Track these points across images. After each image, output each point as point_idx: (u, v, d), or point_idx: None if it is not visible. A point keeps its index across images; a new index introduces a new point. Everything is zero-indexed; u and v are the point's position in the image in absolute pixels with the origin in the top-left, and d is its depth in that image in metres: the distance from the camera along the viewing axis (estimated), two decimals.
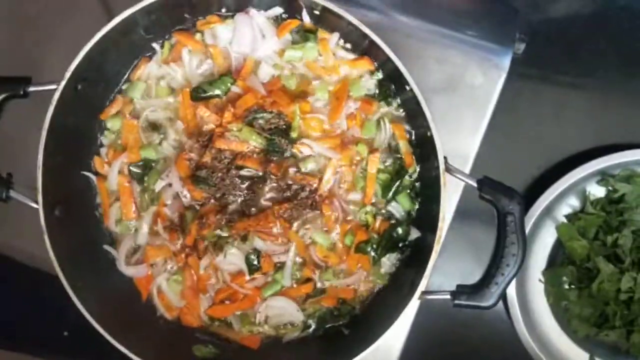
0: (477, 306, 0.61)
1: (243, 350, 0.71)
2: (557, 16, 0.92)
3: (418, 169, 0.70)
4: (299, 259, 0.70)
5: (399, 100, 0.70)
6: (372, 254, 0.70)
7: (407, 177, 0.70)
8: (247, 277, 0.70)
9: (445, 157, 0.64)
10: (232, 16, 0.70)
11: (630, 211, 0.85)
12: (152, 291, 0.72)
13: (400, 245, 0.70)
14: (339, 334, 0.71)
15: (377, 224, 0.70)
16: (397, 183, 0.69)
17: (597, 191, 0.88)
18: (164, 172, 0.70)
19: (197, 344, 0.70)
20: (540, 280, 0.89)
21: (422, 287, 0.63)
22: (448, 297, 0.62)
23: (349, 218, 0.70)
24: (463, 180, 0.63)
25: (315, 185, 0.69)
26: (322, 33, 0.69)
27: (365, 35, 0.64)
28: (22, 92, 0.64)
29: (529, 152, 0.90)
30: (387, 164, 0.70)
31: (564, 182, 0.85)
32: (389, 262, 0.71)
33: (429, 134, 0.64)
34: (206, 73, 0.71)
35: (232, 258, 0.70)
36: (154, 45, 0.71)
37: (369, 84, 0.70)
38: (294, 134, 0.69)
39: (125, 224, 0.72)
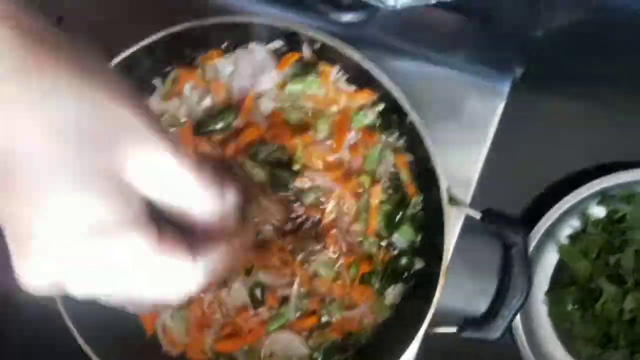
0: (484, 340, 0.61)
1: None
2: (554, 38, 0.92)
3: (421, 199, 0.70)
4: (303, 291, 0.70)
5: (400, 131, 0.70)
6: (377, 285, 0.70)
7: (410, 207, 0.70)
8: (252, 312, 0.70)
9: (448, 188, 0.64)
10: (233, 50, 0.70)
11: (631, 231, 0.86)
12: (157, 327, 0.71)
13: (405, 275, 0.70)
14: None
15: (381, 254, 0.70)
16: (400, 214, 0.70)
17: (598, 211, 0.88)
18: None
19: None
20: (543, 302, 0.90)
21: (428, 319, 0.63)
22: (454, 330, 0.62)
23: (352, 249, 0.70)
24: (466, 212, 0.63)
25: (318, 217, 0.69)
26: (322, 66, 0.69)
27: (364, 69, 0.64)
28: None
29: (530, 173, 0.90)
30: (389, 194, 0.70)
31: (565, 203, 0.86)
32: (393, 293, 0.71)
33: (430, 165, 0.64)
34: (207, 108, 0.71)
35: (236, 292, 0.70)
36: (155, 81, 0.71)
37: (370, 115, 0.70)
38: (296, 166, 0.69)
39: None
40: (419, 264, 0.70)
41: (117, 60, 0.63)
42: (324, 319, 0.70)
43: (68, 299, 0.64)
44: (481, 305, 0.77)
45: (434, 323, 0.64)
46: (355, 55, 0.62)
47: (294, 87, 0.69)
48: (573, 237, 0.89)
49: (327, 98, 0.69)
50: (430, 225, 0.70)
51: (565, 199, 0.87)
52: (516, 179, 0.91)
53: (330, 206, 0.70)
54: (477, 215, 0.62)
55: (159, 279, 0.32)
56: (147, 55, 0.65)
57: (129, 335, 0.71)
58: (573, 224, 0.90)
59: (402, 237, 0.70)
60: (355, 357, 0.71)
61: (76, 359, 0.64)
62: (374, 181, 0.69)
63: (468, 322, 0.63)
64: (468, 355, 0.87)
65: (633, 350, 0.85)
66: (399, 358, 0.63)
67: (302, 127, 0.70)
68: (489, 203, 0.75)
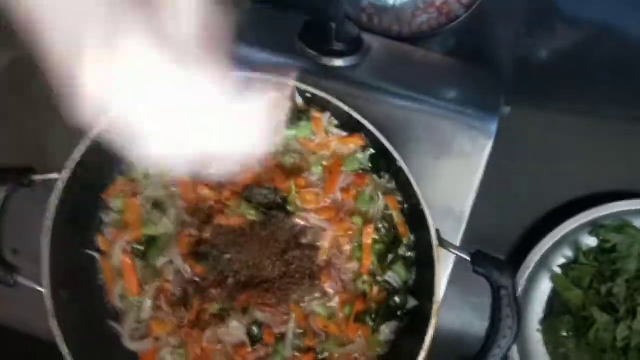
0: None
1: None
2: (541, 69, 0.95)
3: (413, 239, 0.72)
4: (299, 330, 0.72)
5: (390, 173, 0.72)
6: (371, 323, 0.71)
7: (402, 246, 0.72)
8: (249, 349, 0.71)
9: (437, 231, 0.66)
10: None
11: (622, 260, 0.88)
12: None
13: (399, 313, 0.72)
14: None
15: (375, 293, 0.72)
16: (393, 253, 0.71)
17: (589, 241, 0.90)
18: (165, 249, 0.72)
19: None
20: (538, 330, 0.91)
21: (422, 358, 0.65)
22: None
23: (346, 288, 0.72)
24: (456, 254, 0.65)
25: (312, 256, 0.71)
26: (314, 112, 0.71)
27: (353, 116, 0.66)
28: (25, 183, 0.67)
29: (521, 204, 0.92)
30: (382, 234, 0.72)
31: (557, 233, 0.88)
32: (388, 330, 0.72)
33: (420, 207, 0.66)
34: None
35: (234, 330, 0.72)
36: None
37: (361, 159, 0.72)
38: (290, 208, 0.71)
39: (129, 300, 0.74)
40: (412, 302, 0.72)
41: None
42: (320, 356, 0.72)
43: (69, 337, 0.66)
44: (477, 333, 0.78)
45: None
46: (342, 105, 0.64)
47: (288, 133, 0.71)
48: (566, 267, 0.91)
49: (320, 143, 0.72)
50: (422, 264, 0.71)
51: (557, 229, 0.89)
52: (508, 210, 0.93)
53: (324, 245, 0.72)
54: (466, 257, 0.64)
55: None
56: None
57: None
58: (566, 254, 0.92)
59: (396, 276, 0.72)
60: None
61: None
62: (367, 221, 0.71)
63: None
64: None
65: None
66: None
67: (296, 170, 0.72)
68: (481, 234, 0.77)
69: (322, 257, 0.71)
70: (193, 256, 0.71)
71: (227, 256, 0.71)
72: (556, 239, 0.87)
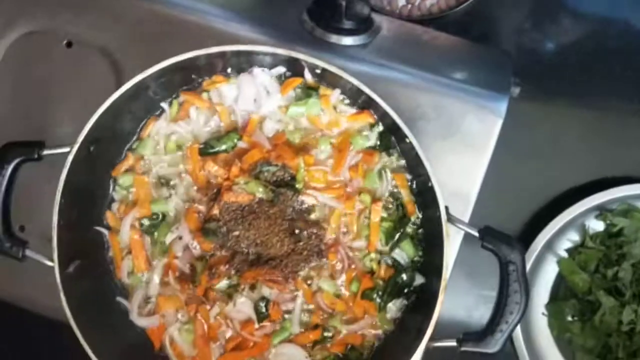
0: (483, 353, 0.63)
1: None
2: (549, 55, 0.95)
3: (420, 217, 0.72)
4: (306, 306, 0.72)
5: (399, 150, 0.72)
6: (378, 300, 0.72)
7: (410, 224, 0.72)
8: (256, 325, 0.72)
9: (446, 207, 0.66)
10: (237, 75, 0.73)
11: (629, 245, 0.87)
12: (165, 341, 0.73)
13: (406, 291, 0.72)
14: None
15: (382, 270, 0.72)
16: (401, 231, 0.71)
17: (596, 225, 0.90)
18: (174, 225, 0.73)
19: None
20: (543, 314, 0.91)
21: (428, 334, 0.65)
22: (454, 344, 0.64)
23: (354, 265, 0.72)
24: (465, 230, 0.65)
25: (320, 234, 0.71)
26: (323, 90, 0.71)
27: (364, 92, 0.66)
28: (36, 156, 0.67)
29: (528, 188, 0.92)
30: (390, 212, 0.72)
31: (564, 217, 0.88)
32: (395, 307, 0.73)
33: (429, 184, 0.66)
34: (213, 130, 0.74)
35: (242, 306, 0.72)
36: (163, 104, 0.74)
37: (370, 136, 0.72)
38: (299, 185, 0.71)
39: (137, 276, 0.74)
40: (419, 280, 0.72)
41: (126, 87, 0.66)
42: (326, 332, 0.72)
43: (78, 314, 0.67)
44: (482, 316, 0.78)
45: (434, 337, 0.65)
46: (354, 80, 0.64)
47: (296, 110, 0.71)
48: (572, 251, 0.91)
49: (329, 120, 0.72)
50: (430, 242, 0.72)
51: (564, 213, 0.89)
52: (515, 194, 0.93)
53: (332, 223, 0.72)
54: (475, 232, 0.64)
55: None
56: (156, 80, 0.68)
57: (136, 349, 0.74)
58: (572, 238, 0.92)
59: (403, 254, 0.72)
60: None
61: None
62: (375, 199, 0.71)
63: (468, 336, 0.65)
64: None
65: None
66: None
67: (305, 148, 0.72)
68: (488, 217, 0.77)
69: (329, 235, 0.72)
70: (201, 232, 0.71)
71: (235, 233, 0.71)
72: (563, 222, 0.87)
